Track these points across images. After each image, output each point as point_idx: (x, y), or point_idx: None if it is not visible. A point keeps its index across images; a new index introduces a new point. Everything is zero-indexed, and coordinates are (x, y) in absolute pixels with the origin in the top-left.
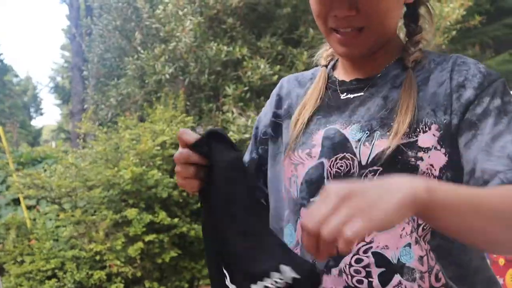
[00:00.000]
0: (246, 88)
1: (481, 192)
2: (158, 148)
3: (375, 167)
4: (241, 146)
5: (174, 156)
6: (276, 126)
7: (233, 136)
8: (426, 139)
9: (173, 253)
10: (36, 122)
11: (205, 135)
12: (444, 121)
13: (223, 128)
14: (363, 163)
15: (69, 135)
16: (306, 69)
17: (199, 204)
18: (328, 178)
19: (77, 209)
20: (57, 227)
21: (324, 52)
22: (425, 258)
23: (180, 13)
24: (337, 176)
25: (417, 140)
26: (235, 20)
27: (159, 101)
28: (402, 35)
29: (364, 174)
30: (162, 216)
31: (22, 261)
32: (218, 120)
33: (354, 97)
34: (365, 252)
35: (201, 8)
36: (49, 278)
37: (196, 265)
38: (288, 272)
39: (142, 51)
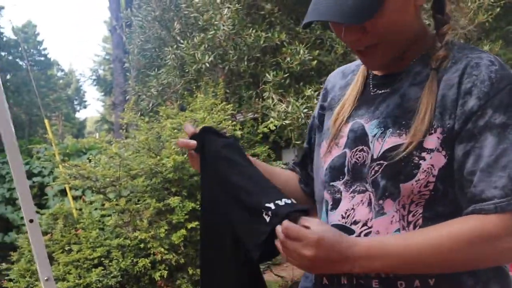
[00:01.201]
0: (286, 75)
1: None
2: None
3: (381, 161)
4: (281, 132)
5: (176, 142)
6: (322, 117)
7: (273, 122)
8: (431, 141)
9: None
10: (80, 115)
11: (200, 130)
12: (448, 125)
13: (263, 115)
14: (374, 156)
15: (112, 126)
16: (345, 53)
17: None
18: (348, 166)
19: (121, 198)
20: (103, 216)
21: None
22: None
23: (218, 1)
24: (355, 165)
25: (423, 141)
26: (273, 5)
27: (199, 90)
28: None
29: (373, 167)
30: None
31: (70, 250)
32: (258, 107)
33: (381, 93)
34: (366, 235)
35: None
36: (95, 266)
37: None
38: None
39: (181, 41)
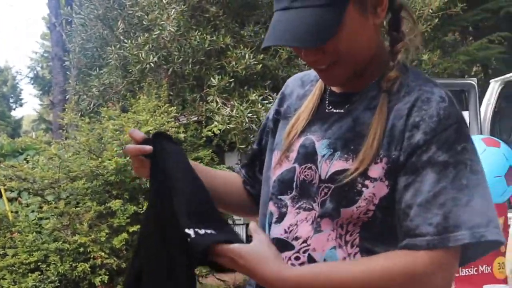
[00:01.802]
0: (231, 79)
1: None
2: None
3: (329, 184)
4: (225, 136)
5: (125, 148)
6: (276, 122)
7: (217, 126)
8: (376, 170)
9: None
10: (16, 113)
11: (152, 136)
12: (393, 156)
13: (207, 118)
14: (322, 177)
15: (50, 125)
16: (289, 58)
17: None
18: (296, 182)
19: (60, 201)
20: (40, 219)
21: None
22: (347, 259)
23: (164, 1)
24: (303, 182)
25: (368, 169)
26: (218, 8)
27: (142, 91)
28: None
29: (321, 188)
30: (146, 207)
31: (5, 254)
32: (202, 110)
33: (335, 112)
34: (304, 252)
35: None
36: (32, 271)
37: None
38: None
39: (125, 40)
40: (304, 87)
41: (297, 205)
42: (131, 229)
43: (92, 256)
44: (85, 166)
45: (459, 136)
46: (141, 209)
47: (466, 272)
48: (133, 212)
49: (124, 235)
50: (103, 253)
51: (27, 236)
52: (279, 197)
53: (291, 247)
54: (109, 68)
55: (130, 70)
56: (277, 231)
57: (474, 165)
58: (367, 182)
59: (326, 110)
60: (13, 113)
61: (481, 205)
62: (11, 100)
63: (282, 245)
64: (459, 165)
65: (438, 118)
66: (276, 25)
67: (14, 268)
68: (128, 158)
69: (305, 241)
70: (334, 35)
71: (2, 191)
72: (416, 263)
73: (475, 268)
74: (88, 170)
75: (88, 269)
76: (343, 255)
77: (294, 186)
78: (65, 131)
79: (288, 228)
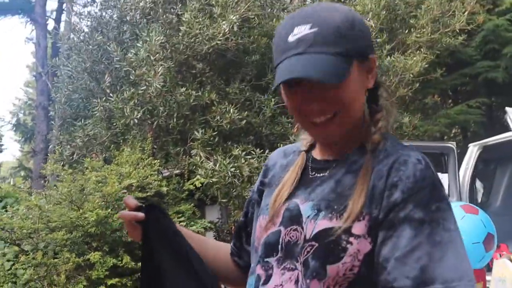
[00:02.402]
0: (214, 133)
1: None
2: (124, 191)
3: (313, 242)
4: (208, 189)
5: (119, 214)
6: (261, 192)
7: (199, 179)
8: (359, 227)
9: None
10: None
11: (145, 206)
12: (374, 214)
13: (190, 171)
14: (307, 237)
15: (29, 173)
16: (273, 115)
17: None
18: (281, 244)
19: (38, 251)
20: (16, 269)
21: (304, 140)
22: None
23: (152, 58)
24: (288, 243)
25: (351, 227)
26: (205, 65)
27: (126, 143)
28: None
29: (305, 247)
30: (126, 260)
31: None
32: (185, 164)
33: (319, 176)
34: None
35: (171, 53)
36: None
37: None
38: None
39: (111, 94)
40: (287, 157)
41: (282, 266)
42: (110, 282)
43: None
44: (65, 216)
45: (433, 196)
46: (120, 262)
47: None
48: (112, 265)
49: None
50: None
51: (1, 286)
52: (266, 259)
53: None
54: (94, 119)
55: (115, 123)
56: None
57: (447, 223)
58: (351, 239)
59: (310, 176)
60: None
61: (454, 261)
62: None
63: None
64: (433, 222)
65: (414, 178)
66: (293, 64)
67: None
68: (109, 210)
69: None
70: (347, 77)
71: None
72: None
73: None
74: (68, 221)
75: None
76: None
77: (279, 248)
78: (46, 181)
79: None
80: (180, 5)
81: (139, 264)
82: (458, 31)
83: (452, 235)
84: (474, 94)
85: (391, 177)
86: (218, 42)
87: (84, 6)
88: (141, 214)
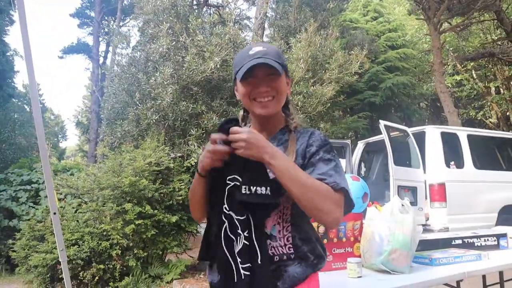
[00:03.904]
0: (203, 131)
1: (309, 177)
2: (146, 166)
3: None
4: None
5: (209, 148)
6: None
7: (194, 160)
8: None
9: (152, 232)
10: (62, 144)
11: (224, 121)
12: (299, 162)
13: (187, 155)
14: None
15: (86, 154)
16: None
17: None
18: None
19: (93, 202)
20: (79, 212)
21: (241, 116)
22: (282, 230)
23: (165, 82)
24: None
25: None
26: (198, 88)
27: (148, 136)
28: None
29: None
30: (147, 208)
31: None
32: (185, 150)
33: None
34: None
35: (177, 80)
36: (73, 245)
37: (167, 240)
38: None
39: (139, 105)
40: None
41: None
42: (137, 222)
43: (111, 238)
44: (110, 181)
45: (332, 149)
46: (144, 210)
47: (338, 251)
48: (138, 211)
49: (132, 225)
50: (118, 236)
51: (70, 223)
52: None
53: None
54: (128, 120)
55: (141, 123)
56: None
57: (339, 163)
58: None
59: None
60: (60, 144)
61: (344, 180)
62: (59, 136)
63: None
64: (334, 161)
65: (321, 140)
66: (254, 62)
67: None
68: (137, 177)
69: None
70: (282, 74)
71: (55, 194)
72: (329, 190)
73: (344, 249)
74: (112, 183)
75: (108, 245)
76: (279, 228)
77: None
78: (96, 159)
79: None
80: (184, 50)
81: (155, 211)
82: (354, 72)
83: (341, 168)
84: (362, 111)
85: (309, 141)
86: (207, 74)
87: (122, 48)
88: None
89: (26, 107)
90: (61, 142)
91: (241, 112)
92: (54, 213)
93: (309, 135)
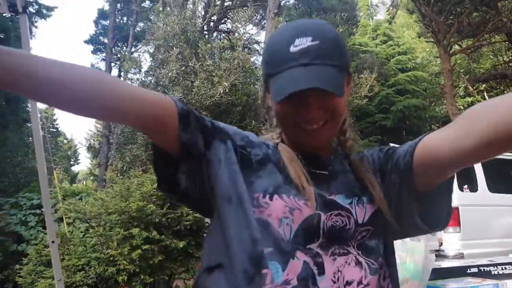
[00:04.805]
0: None
1: None
2: (154, 190)
3: (368, 227)
4: None
5: None
6: (246, 158)
7: None
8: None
9: (159, 257)
10: (74, 168)
11: None
12: (384, 178)
13: None
14: (359, 221)
15: (96, 177)
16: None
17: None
18: (323, 229)
19: (100, 227)
20: (86, 237)
21: (274, 134)
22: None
23: None
24: (332, 229)
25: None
26: (207, 113)
27: None
28: None
29: (359, 231)
30: (154, 234)
31: (63, 259)
32: None
33: (319, 173)
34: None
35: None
36: (79, 270)
37: (174, 265)
38: None
39: None
40: (261, 147)
41: (329, 252)
42: (144, 247)
43: (118, 263)
44: (117, 206)
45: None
46: (150, 235)
47: None
48: (145, 236)
49: (139, 251)
50: (125, 262)
51: (78, 248)
52: (308, 246)
53: None
54: (137, 145)
55: (150, 147)
56: (326, 283)
57: None
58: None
59: (311, 170)
60: (73, 168)
61: None
62: (72, 160)
63: None
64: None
65: (378, 152)
66: (301, 75)
67: (68, 268)
68: (145, 202)
69: (360, 283)
70: (344, 93)
71: (64, 218)
72: None
73: None
74: (119, 208)
75: (115, 271)
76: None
77: (320, 233)
78: (106, 183)
79: (334, 276)
80: (193, 75)
81: (162, 236)
82: (363, 96)
83: None
84: (373, 134)
85: (372, 158)
86: (216, 99)
87: (134, 74)
88: None
89: (40, 131)
90: (73, 165)
91: (273, 137)
92: (53, 242)
93: (371, 154)
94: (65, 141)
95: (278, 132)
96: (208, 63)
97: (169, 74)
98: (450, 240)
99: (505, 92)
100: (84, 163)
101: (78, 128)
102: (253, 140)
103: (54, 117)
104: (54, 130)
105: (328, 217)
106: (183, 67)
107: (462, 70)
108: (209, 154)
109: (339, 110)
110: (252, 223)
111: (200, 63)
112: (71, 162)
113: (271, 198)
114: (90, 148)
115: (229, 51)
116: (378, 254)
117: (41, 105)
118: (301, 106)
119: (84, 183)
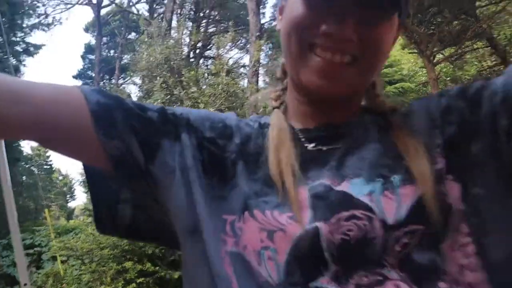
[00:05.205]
0: None
1: None
2: None
3: (414, 226)
4: None
5: None
6: (216, 158)
7: None
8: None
9: None
10: (70, 204)
11: None
12: (438, 144)
13: None
14: (390, 221)
15: (91, 213)
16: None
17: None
18: (330, 249)
19: (93, 263)
20: (80, 274)
21: (271, 92)
22: None
23: None
24: (345, 245)
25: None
26: None
27: None
28: None
29: (395, 237)
30: (148, 266)
31: None
32: None
33: (328, 149)
34: None
35: None
36: None
37: None
38: None
39: None
40: (247, 127)
41: (352, 285)
42: (138, 280)
43: None
44: (110, 239)
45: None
46: (144, 268)
47: None
48: (139, 269)
49: (133, 285)
50: None
51: (71, 286)
52: (313, 285)
53: None
54: None
55: None
56: None
57: None
58: (445, 198)
59: (309, 148)
60: (69, 204)
61: None
62: (67, 196)
63: None
64: None
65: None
66: None
67: None
68: None
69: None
70: (386, 20)
71: (58, 256)
72: None
73: None
74: (111, 242)
75: None
76: None
77: (327, 258)
78: None
79: None
80: (179, 103)
81: (157, 268)
82: None
83: None
84: None
85: (428, 109)
86: None
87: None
88: None
89: (34, 169)
90: (69, 202)
91: (275, 91)
92: (25, 285)
93: (426, 106)
94: (60, 177)
95: (281, 88)
96: (192, 90)
97: (155, 103)
98: None
99: None
100: (81, 199)
101: (72, 163)
102: (230, 125)
103: (47, 154)
104: (47, 167)
105: (333, 227)
106: (168, 96)
107: (448, 78)
108: (153, 168)
109: (381, 46)
110: (217, 266)
111: (184, 91)
112: (67, 198)
113: (243, 219)
114: (84, 183)
115: (213, 76)
116: (440, 273)
117: (33, 143)
118: (331, 15)
119: (82, 219)
